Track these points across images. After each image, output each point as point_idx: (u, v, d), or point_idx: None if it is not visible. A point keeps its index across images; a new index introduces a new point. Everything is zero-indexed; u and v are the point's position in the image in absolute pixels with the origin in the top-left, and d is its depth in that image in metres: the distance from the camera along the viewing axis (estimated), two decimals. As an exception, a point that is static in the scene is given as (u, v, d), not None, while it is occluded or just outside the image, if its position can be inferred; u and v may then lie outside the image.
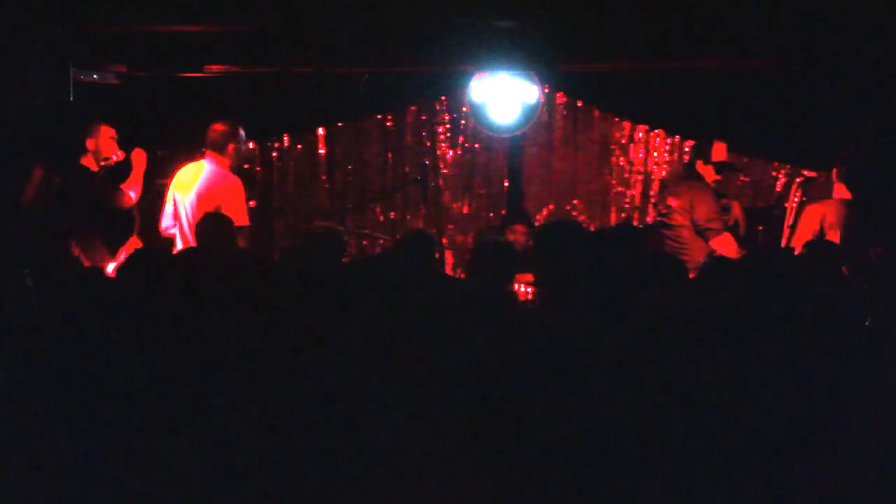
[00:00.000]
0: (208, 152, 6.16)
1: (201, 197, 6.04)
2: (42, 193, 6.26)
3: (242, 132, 6.26)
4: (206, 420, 2.98)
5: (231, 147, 6.16)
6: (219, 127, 6.17)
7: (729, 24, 6.72)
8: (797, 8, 6.48)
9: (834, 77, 6.95)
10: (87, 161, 6.24)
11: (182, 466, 2.89)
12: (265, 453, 2.88)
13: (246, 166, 8.55)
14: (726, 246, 6.21)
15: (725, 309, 3.32)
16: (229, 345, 3.27)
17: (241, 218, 5.94)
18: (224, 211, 5.85)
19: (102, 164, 6.31)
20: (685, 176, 6.72)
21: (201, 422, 2.97)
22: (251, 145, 6.21)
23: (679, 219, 6.33)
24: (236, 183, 6.10)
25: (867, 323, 3.52)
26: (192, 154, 6.40)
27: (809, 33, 6.69)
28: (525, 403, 2.92)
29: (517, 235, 7.36)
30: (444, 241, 8.35)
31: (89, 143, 6.22)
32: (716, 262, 4.67)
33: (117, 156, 6.33)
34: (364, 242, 8.53)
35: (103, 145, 6.27)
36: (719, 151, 6.52)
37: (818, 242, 5.38)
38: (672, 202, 6.40)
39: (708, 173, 6.46)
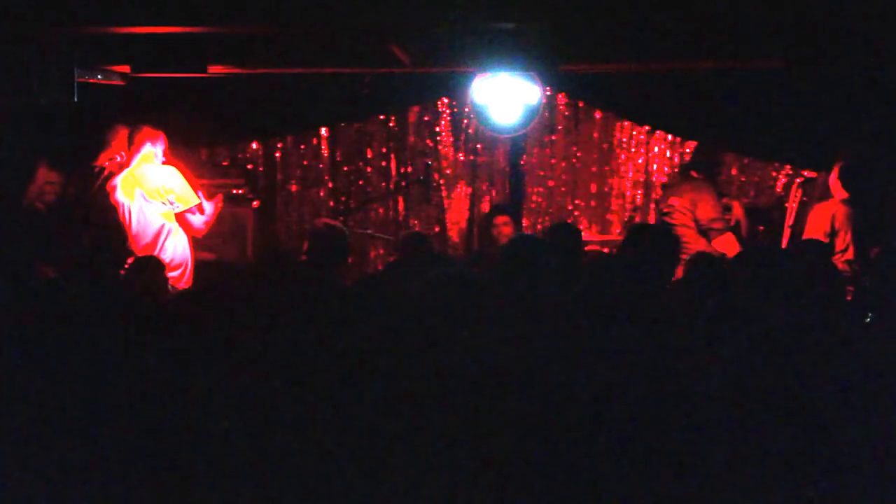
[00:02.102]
0: None
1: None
2: (46, 193, 6.29)
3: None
4: (206, 421, 2.97)
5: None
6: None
7: (729, 25, 6.72)
8: (797, 8, 6.47)
9: (833, 77, 6.95)
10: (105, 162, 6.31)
11: (181, 466, 2.90)
12: (265, 454, 2.90)
13: (249, 167, 8.60)
14: (729, 246, 6.23)
15: (724, 308, 3.34)
16: (231, 345, 3.28)
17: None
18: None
19: (107, 163, 6.34)
20: (687, 176, 6.75)
21: (202, 422, 2.96)
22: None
23: (681, 218, 6.34)
24: None
25: (868, 320, 3.54)
26: (196, 154, 6.46)
27: (809, 33, 6.69)
28: (527, 402, 2.94)
29: (501, 227, 7.38)
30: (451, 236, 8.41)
31: (115, 145, 6.29)
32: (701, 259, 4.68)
33: (120, 156, 6.36)
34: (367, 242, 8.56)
35: (123, 147, 6.36)
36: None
37: (809, 242, 5.41)
38: (674, 201, 6.42)
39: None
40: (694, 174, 6.57)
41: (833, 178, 6.08)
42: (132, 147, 6.28)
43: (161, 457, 2.91)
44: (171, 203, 6.21)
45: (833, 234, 5.75)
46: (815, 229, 5.85)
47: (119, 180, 6.25)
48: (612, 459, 2.77)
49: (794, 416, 2.81)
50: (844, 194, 5.99)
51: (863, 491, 2.71)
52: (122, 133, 6.38)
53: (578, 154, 8.64)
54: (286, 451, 2.87)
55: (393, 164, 8.76)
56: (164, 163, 6.37)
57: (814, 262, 4.30)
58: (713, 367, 2.98)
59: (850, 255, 5.68)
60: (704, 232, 6.31)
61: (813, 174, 6.64)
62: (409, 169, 8.63)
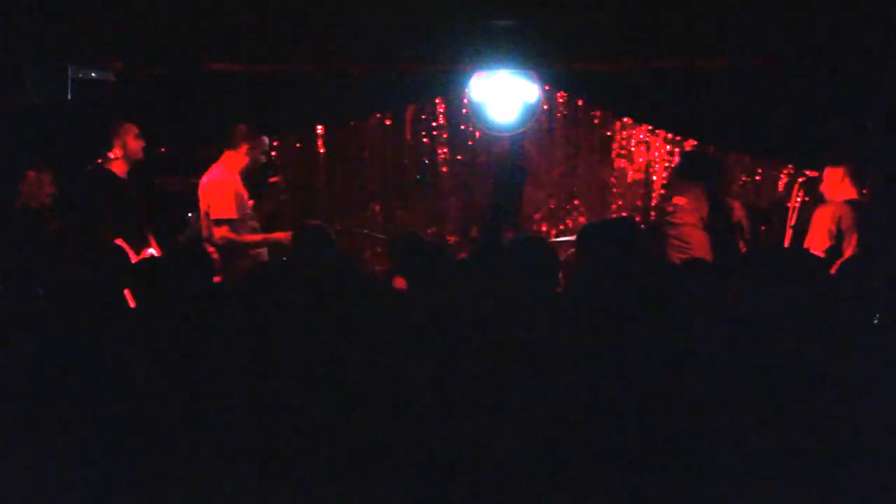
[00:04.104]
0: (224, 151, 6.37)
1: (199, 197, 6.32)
2: (42, 193, 6.25)
3: (262, 139, 6.43)
4: (201, 419, 2.98)
5: (243, 148, 6.31)
6: (236, 127, 6.37)
7: (730, 24, 6.69)
8: (798, 7, 6.45)
9: (835, 76, 6.92)
10: (117, 163, 6.23)
11: (179, 466, 2.90)
12: (259, 452, 2.88)
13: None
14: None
15: (736, 308, 3.31)
16: (227, 346, 3.25)
17: (218, 211, 6.13)
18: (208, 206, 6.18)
19: (99, 160, 6.27)
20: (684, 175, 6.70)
21: (197, 421, 2.98)
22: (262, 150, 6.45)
23: (687, 217, 6.27)
24: (217, 178, 6.24)
25: (876, 321, 3.52)
26: (191, 152, 6.40)
27: (811, 32, 6.66)
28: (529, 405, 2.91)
29: (494, 228, 7.33)
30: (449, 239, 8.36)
31: (117, 143, 6.21)
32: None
33: (115, 153, 6.29)
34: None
35: (130, 144, 6.26)
36: None
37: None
38: (679, 201, 6.34)
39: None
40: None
41: (834, 179, 6.00)
42: (240, 147, 6.30)
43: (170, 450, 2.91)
44: (209, 208, 6.19)
45: (839, 235, 5.67)
46: (821, 230, 5.76)
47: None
48: (611, 458, 2.80)
49: (795, 415, 2.80)
50: (847, 195, 5.94)
51: (870, 487, 2.70)
52: (130, 129, 6.31)
53: (577, 152, 8.59)
54: (279, 447, 2.89)
55: (389, 164, 8.69)
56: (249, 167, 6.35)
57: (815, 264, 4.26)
58: (712, 366, 2.98)
59: (856, 257, 5.61)
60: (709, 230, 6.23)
61: (815, 174, 6.54)
62: (406, 168, 8.57)
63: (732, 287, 3.71)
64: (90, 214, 6.15)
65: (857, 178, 5.91)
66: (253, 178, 6.49)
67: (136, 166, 6.40)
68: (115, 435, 2.98)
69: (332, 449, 2.88)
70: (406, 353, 3.13)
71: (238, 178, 6.27)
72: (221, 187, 6.17)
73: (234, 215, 6.14)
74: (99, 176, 6.21)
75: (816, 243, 5.65)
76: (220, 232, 6.09)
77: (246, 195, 6.30)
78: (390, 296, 3.77)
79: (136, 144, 6.33)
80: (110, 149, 6.24)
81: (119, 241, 5.92)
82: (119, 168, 6.28)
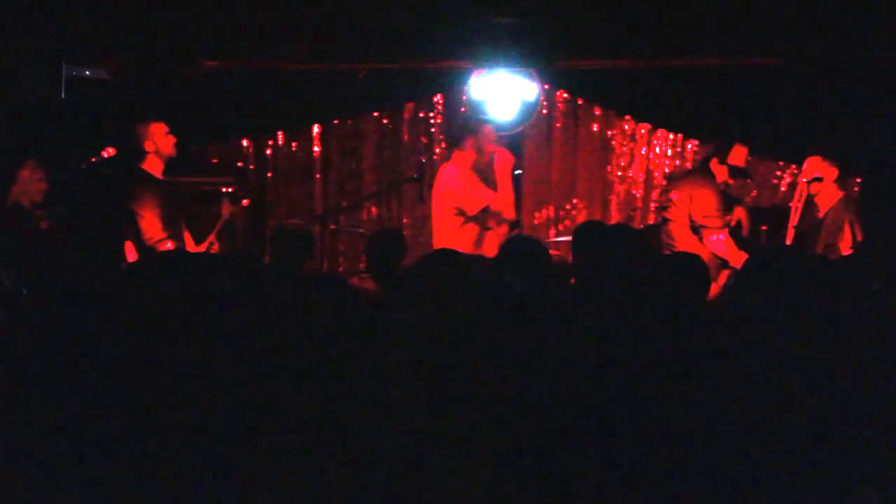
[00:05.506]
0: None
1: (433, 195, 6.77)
2: (33, 191, 6.20)
3: (486, 129, 6.69)
4: (191, 419, 2.91)
5: (469, 143, 6.60)
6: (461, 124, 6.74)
7: (732, 22, 6.67)
8: (801, 5, 6.42)
9: (839, 76, 6.88)
10: (151, 162, 6.13)
11: (168, 468, 2.83)
12: (249, 453, 2.83)
13: (240, 164, 8.47)
14: (723, 246, 5.98)
15: (739, 309, 3.26)
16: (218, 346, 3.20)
17: (470, 208, 6.53)
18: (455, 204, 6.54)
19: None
20: (693, 170, 6.62)
21: (186, 421, 2.91)
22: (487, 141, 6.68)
23: (677, 213, 6.16)
24: (450, 174, 6.61)
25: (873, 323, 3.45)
26: (185, 150, 6.37)
27: (813, 31, 6.63)
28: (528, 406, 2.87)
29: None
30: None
31: (148, 146, 6.11)
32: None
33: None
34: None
35: (160, 143, 6.16)
36: (738, 155, 6.34)
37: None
38: (673, 195, 6.25)
39: (720, 174, 6.27)
40: (714, 165, 6.37)
41: (829, 177, 5.99)
42: (465, 143, 6.59)
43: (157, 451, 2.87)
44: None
45: (854, 235, 5.65)
46: (843, 229, 5.75)
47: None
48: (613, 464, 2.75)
49: (794, 416, 2.74)
50: (844, 192, 5.94)
51: (870, 491, 2.64)
52: (160, 128, 6.21)
53: (577, 152, 8.53)
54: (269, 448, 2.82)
55: (386, 162, 8.64)
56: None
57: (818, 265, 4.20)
58: (710, 367, 2.92)
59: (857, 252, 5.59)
60: (696, 229, 6.11)
61: (819, 174, 6.48)
62: (403, 167, 8.52)
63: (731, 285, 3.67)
64: (111, 214, 6.07)
65: (850, 176, 5.91)
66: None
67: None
68: (103, 436, 2.94)
69: (324, 449, 2.83)
70: (392, 356, 3.08)
71: (467, 171, 6.57)
72: (444, 185, 6.58)
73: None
74: (137, 177, 6.11)
75: (843, 241, 5.64)
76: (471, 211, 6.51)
77: (477, 187, 6.57)
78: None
79: (167, 142, 6.21)
80: (140, 149, 6.13)
81: (128, 244, 5.86)
82: (156, 168, 6.18)
